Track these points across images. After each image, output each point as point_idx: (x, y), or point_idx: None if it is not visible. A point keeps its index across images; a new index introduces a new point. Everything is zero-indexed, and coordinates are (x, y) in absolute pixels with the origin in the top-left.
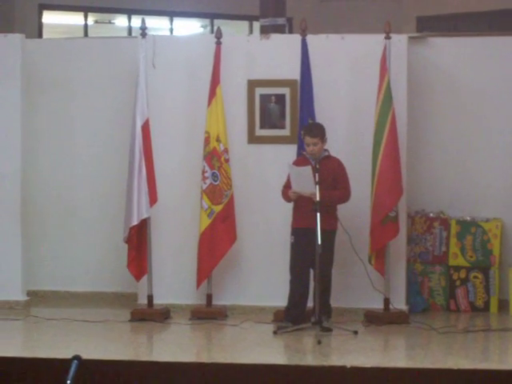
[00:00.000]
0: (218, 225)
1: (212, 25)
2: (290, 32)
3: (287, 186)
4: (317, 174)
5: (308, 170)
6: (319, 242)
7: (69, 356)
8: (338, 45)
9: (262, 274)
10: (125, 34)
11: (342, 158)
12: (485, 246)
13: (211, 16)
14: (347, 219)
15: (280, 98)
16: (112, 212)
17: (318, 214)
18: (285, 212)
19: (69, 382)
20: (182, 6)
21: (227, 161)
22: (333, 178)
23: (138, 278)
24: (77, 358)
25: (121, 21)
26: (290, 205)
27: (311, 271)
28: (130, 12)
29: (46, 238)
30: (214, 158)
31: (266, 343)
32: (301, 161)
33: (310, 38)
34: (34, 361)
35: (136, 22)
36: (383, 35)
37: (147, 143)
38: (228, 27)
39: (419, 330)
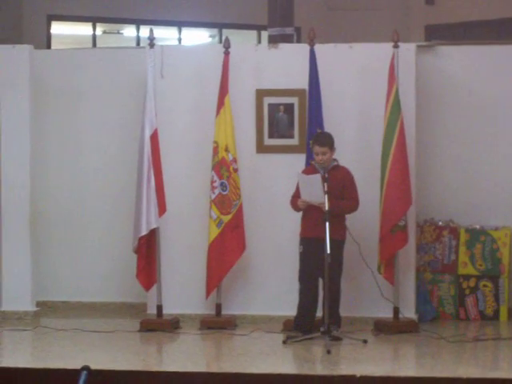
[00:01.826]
0: (227, 234)
1: (220, 34)
2: (298, 41)
3: (296, 196)
4: (326, 184)
5: (317, 178)
6: (328, 251)
7: (78, 366)
8: (346, 54)
9: (271, 283)
10: (133, 44)
11: (350, 167)
12: (494, 255)
13: (219, 26)
14: (356, 228)
15: (288, 108)
16: (121, 222)
17: (327, 224)
18: (294, 221)
19: None
20: (190, 16)
21: (236, 170)
22: (342, 187)
23: (147, 288)
24: (86, 368)
25: (129, 31)
26: (299, 214)
27: (320, 280)
28: (138, 22)
29: (55, 249)
30: (223, 167)
31: (275, 353)
32: (310, 170)
33: (318, 47)
34: (44, 371)
35: (144, 32)
36: (391, 44)
37: (156, 153)
38: (236, 37)
39: (429, 339)
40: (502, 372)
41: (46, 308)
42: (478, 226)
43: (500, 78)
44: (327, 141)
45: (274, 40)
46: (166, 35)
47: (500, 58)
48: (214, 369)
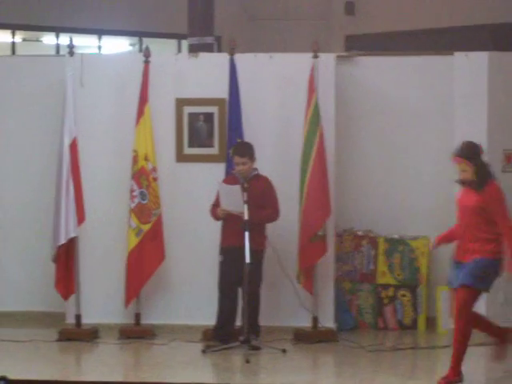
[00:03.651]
0: (146, 244)
1: (141, 43)
2: (219, 51)
3: (216, 205)
4: (245, 193)
5: (237, 188)
6: (248, 260)
7: None
8: (266, 64)
9: (191, 292)
10: (53, 52)
11: (270, 177)
12: (412, 264)
13: (139, 34)
14: (276, 238)
15: (208, 117)
16: (40, 230)
17: (247, 233)
18: (214, 230)
19: None
20: (110, 24)
21: (155, 179)
22: (262, 197)
23: (65, 297)
24: (3, 378)
25: (49, 39)
26: (219, 223)
27: (240, 290)
28: (57, 30)
29: None
30: (143, 176)
31: (194, 362)
32: (230, 180)
33: (238, 56)
34: None
35: (64, 39)
36: (311, 54)
37: (75, 162)
38: (157, 45)
39: (348, 348)
40: (419, 381)
41: None
42: (396, 236)
43: (417, 88)
44: (247, 151)
45: (194, 49)
46: (85, 43)
47: (417, 68)
48: (133, 378)
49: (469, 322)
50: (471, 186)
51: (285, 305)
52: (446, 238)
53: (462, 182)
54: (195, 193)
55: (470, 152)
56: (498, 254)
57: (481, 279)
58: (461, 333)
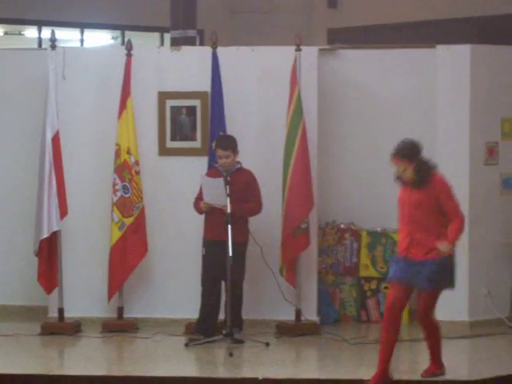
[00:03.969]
0: (128, 237)
1: (123, 36)
2: (202, 44)
3: (199, 198)
4: (228, 186)
5: (220, 181)
6: (230, 253)
7: None
8: (248, 57)
9: (174, 286)
10: (35, 45)
11: (253, 170)
12: (395, 257)
13: (122, 27)
14: (258, 231)
15: (191, 110)
16: (22, 223)
17: (230, 226)
18: (197, 224)
19: None
20: (92, 18)
21: (138, 173)
22: (244, 190)
23: (48, 290)
24: None
25: (31, 32)
26: (202, 216)
27: (223, 283)
28: (40, 23)
29: None
30: (125, 170)
31: (177, 355)
32: (213, 173)
33: (220, 50)
34: None
35: (46, 33)
36: (294, 47)
37: (57, 156)
38: (139, 39)
39: (330, 341)
40: (402, 374)
41: None
42: (379, 229)
43: (399, 80)
44: (230, 144)
45: (176, 42)
46: (68, 37)
47: (399, 61)
48: (116, 372)
49: (433, 319)
50: (414, 185)
51: (268, 298)
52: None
53: (403, 182)
54: (178, 186)
55: (408, 151)
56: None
57: (440, 280)
58: (429, 329)
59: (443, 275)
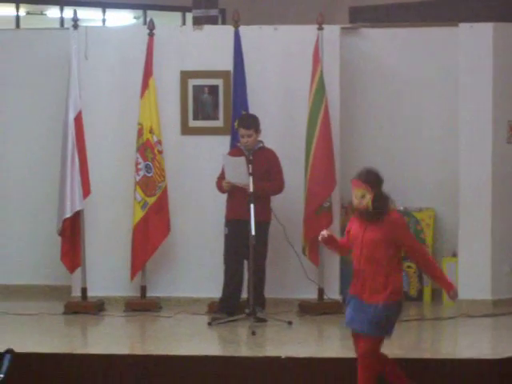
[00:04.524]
0: (151, 216)
1: (145, 16)
2: (223, 23)
3: (221, 177)
4: (250, 166)
5: (242, 160)
6: (253, 233)
7: (2, 350)
8: (270, 36)
9: (197, 265)
10: (57, 25)
11: (275, 150)
12: (418, 236)
13: (144, 7)
14: (281, 210)
15: (213, 89)
16: (46, 204)
17: (252, 206)
18: (219, 203)
19: (2, 375)
20: None
21: (160, 152)
22: (266, 169)
23: (71, 270)
24: (10, 351)
25: (53, 12)
26: (225, 196)
27: (245, 262)
28: (62, 3)
29: None
30: (148, 149)
31: (200, 334)
32: (235, 152)
33: (242, 29)
34: None
35: (68, 13)
36: (316, 26)
37: (80, 136)
38: (161, 18)
39: None
40: (424, 352)
41: None
42: (401, 208)
43: (423, 59)
44: (252, 123)
45: (198, 22)
46: (90, 16)
47: (422, 39)
48: (139, 351)
49: (373, 371)
50: (367, 217)
51: (290, 277)
52: (334, 243)
53: (357, 210)
54: (200, 165)
55: (371, 178)
56: (399, 293)
57: (383, 327)
58: (364, 382)
59: (387, 320)
